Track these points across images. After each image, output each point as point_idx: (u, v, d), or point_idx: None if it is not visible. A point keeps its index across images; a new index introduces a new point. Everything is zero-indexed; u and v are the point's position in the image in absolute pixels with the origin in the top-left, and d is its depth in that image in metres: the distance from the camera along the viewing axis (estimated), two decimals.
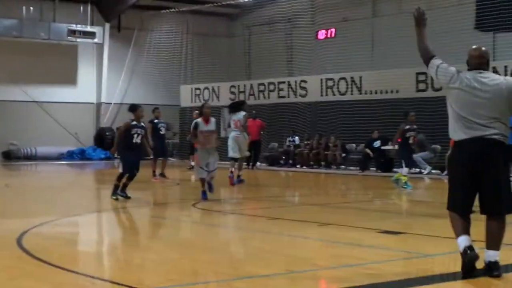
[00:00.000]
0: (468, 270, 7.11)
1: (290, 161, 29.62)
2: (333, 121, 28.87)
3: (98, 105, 35.86)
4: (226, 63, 36.80)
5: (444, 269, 7.80)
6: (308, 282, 7.28)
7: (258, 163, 28.48)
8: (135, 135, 15.48)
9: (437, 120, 21.62)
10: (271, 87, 31.92)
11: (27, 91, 33.48)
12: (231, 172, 19.58)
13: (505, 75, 20.94)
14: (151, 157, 20.60)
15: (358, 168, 26.89)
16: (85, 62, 35.68)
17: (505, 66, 23.30)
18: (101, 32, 34.86)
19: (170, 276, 7.46)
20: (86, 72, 35.63)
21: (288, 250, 9.31)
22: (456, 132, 7.27)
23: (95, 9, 35.39)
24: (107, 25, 35.46)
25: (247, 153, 21.32)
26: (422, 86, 25.59)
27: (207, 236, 11.05)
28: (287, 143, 30.28)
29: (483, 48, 7.45)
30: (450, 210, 7.34)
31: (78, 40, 34.36)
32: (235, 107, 20.76)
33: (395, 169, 24.03)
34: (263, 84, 32.28)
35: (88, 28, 34.55)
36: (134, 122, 15.59)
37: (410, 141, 18.68)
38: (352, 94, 28.55)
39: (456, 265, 7.34)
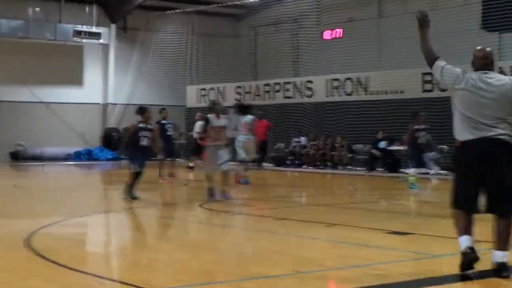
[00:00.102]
0: (467, 269, 7.13)
1: (297, 162, 29.61)
2: (340, 122, 28.85)
3: (105, 105, 35.91)
4: (232, 64, 36.80)
5: (452, 269, 7.77)
6: (317, 283, 7.29)
7: (264, 164, 28.48)
8: (142, 138, 15.52)
9: (443, 121, 21.55)
10: (277, 87, 31.97)
11: (34, 92, 33.53)
12: (238, 172, 19.69)
13: (511, 75, 20.91)
14: (159, 157, 20.68)
15: (364, 168, 26.86)
16: (91, 62, 35.72)
17: (511, 66, 23.26)
18: (107, 33, 34.94)
19: (178, 276, 7.48)
20: (92, 73, 35.68)
21: (295, 250, 9.33)
22: (462, 133, 7.27)
23: (101, 10, 35.42)
24: (113, 26, 35.52)
25: (255, 156, 21.37)
26: (428, 86, 25.55)
27: (215, 237, 11.07)
28: (294, 144, 30.28)
29: (488, 49, 7.45)
30: (454, 207, 7.36)
31: (84, 40, 34.45)
32: (243, 109, 20.81)
33: (401, 170, 24.02)
34: (269, 85, 32.31)
35: (94, 29, 34.63)
36: (141, 125, 15.63)
37: (419, 141, 18.65)
38: (358, 94, 28.55)
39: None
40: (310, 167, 28.65)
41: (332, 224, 11.65)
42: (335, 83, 29.34)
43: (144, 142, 15.56)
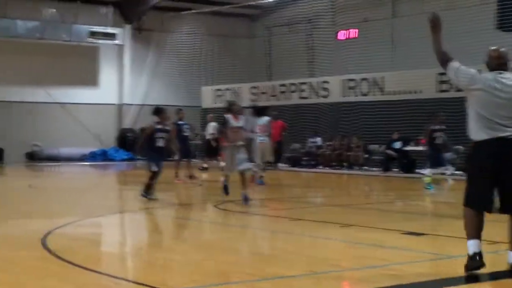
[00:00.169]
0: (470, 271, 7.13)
1: (312, 162, 29.57)
2: (355, 122, 28.80)
3: (120, 106, 36.01)
4: (246, 64, 36.82)
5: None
6: (332, 283, 7.28)
7: (280, 164, 28.46)
8: (158, 139, 15.51)
9: (459, 121, 21.44)
10: (293, 88, 31.94)
11: (49, 92, 33.66)
12: (255, 172, 19.73)
13: None
14: (176, 158, 20.70)
15: (380, 169, 26.80)
16: (106, 63, 35.85)
17: None
18: (122, 34, 35.08)
19: (194, 277, 7.48)
20: (107, 74, 35.79)
21: (310, 251, 9.31)
22: (477, 133, 7.24)
23: (116, 11, 35.54)
24: (128, 27, 35.64)
25: (271, 158, 21.39)
26: (444, 86, 25.44)
27: (230, 237, 11.06)
28: (309, 144, 30.25)
29: (502, 49, 7.43)
30: (466, 205, 7.30)
31: (99, 41, 34.63)
32: (259, 111, 20.83)
33: (417, 170, 23.92)
34: (284, 85, 32.29)
35: (109, 30, 34.78)
36: (158, 126, 15.62)
37: (437, 142, 18.58)
38: (374, 95, 28.49)
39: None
40: (325, 168, 28.62)
41: (347, 225, 11.63)
42: (351, 84, 29.29)
43: (160, 143, 15.56)
